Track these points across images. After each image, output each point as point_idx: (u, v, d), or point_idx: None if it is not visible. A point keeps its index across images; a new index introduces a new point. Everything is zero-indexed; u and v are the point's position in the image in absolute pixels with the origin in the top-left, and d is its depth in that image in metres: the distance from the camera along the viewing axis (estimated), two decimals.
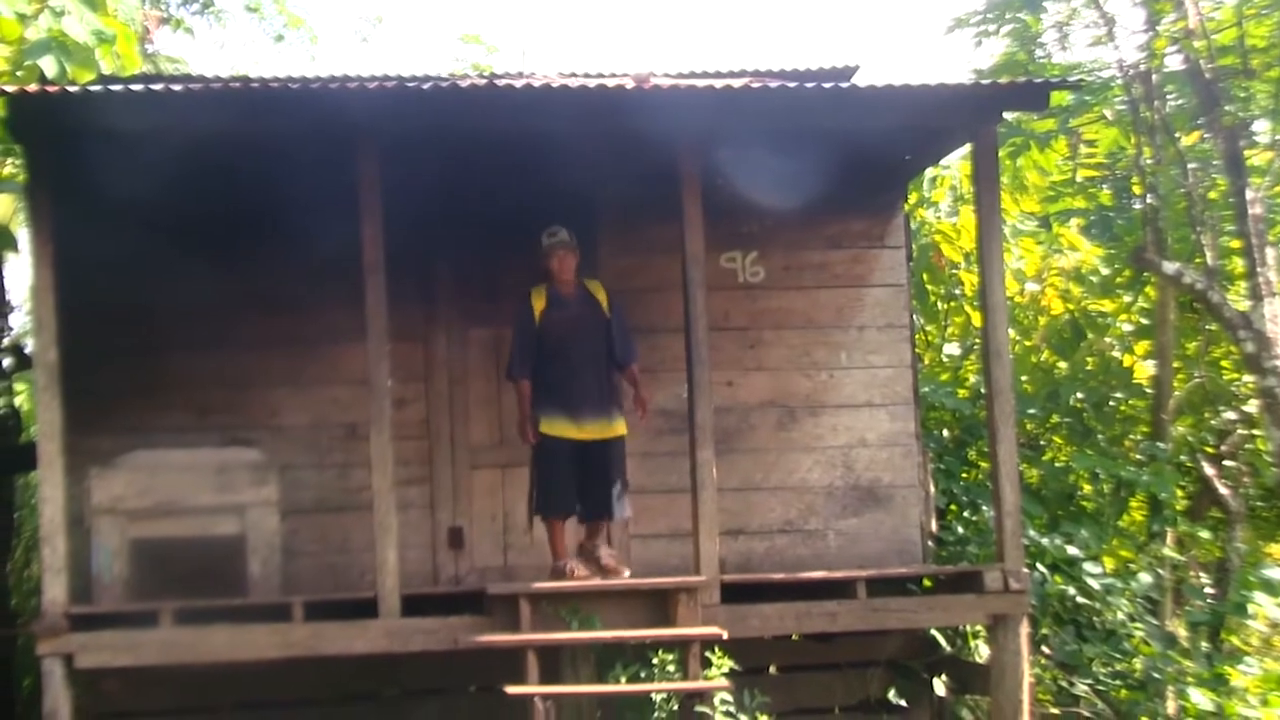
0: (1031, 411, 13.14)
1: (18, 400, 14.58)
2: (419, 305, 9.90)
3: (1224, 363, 14.84)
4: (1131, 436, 14.16)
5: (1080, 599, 11.17)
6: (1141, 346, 14.45)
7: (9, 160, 11.87)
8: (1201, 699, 10.64)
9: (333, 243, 8.62)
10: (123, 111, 7.97)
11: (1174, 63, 12.98)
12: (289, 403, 9.82)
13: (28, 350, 12.20)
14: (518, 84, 8.38)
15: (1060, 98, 12.37)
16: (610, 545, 8.98)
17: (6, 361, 13.30)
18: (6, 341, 13.73)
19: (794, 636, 9.82)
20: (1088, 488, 13.18)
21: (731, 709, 7.89)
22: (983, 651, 10.21)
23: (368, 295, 8.36)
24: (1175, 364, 14.17)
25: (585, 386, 8.79)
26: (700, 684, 7.98)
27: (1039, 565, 10.96)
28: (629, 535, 9.77)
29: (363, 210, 8.37)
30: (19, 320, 15.01)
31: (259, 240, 9.50)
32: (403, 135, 8.38)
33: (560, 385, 8.75)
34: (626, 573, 8.67)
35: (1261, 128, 13.15)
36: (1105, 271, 14.52)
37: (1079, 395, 13.48)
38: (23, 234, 10.75)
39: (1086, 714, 10.79)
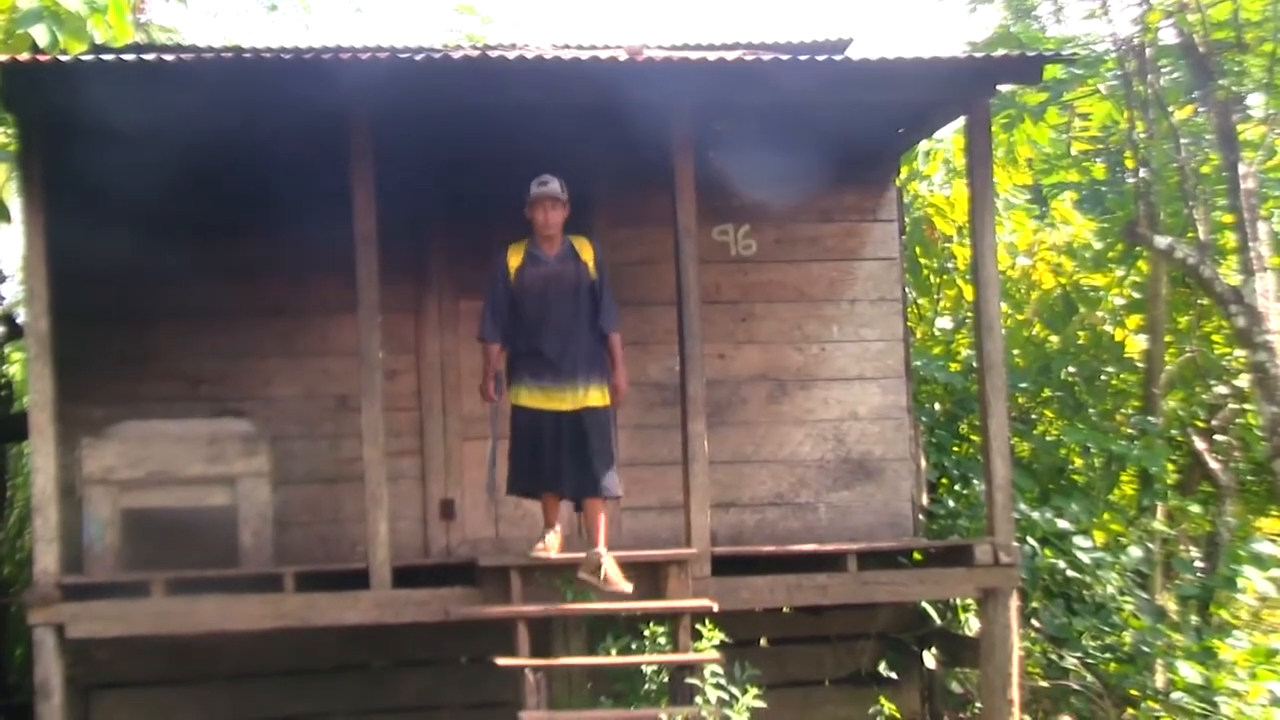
0: (1023, 385, 13.16)
1: (10, 369, 14.57)
2: (411, 276, 9.90)
3: (1215, 337, 14.83)
4: (1123, 411, 14.16)
5: (1070, 573, 11.19)
6: (1133, 321, 14.45)
7: (0, 129, 11.82)
8: (1190, 672, 10.66)
9: (325, 214, 8.62)
10: (115, 81, 7.95)
11: (1168, 36, 12.94)
12: (280, 374, 9.83)
13: (20, 320, 12.18)
14: (510, 56, 8.38)
15: (1054, 71, 12.33)
16: (609, 549, 8.20)
17: None
18: None
19: (784, 609, 9.86)
20: (1079, 462, 13.19)
21: (722, 681, 7.91)
22: (973, 625, 10.25)
23: (359, 266, 8.36)
24: (1167, 338, 14.17)
25: (561, 352, 8.22)
26: (690, 656, 8.00)
27: (1029, 539, 10.98)
28: (620, 508, 9.77)
29: (355, 181, 8.36)
30: (11, 289, 14.99)
31: (251, 211, 9.48)
32: (395, 106, 8.37)
33: (535, 351, 8.25)
34: (628, 588, 8.10)
35: (1255, 102, 13.12)
36: (1097, 246, 14.51)
37: (1070, 369, 13.49)
38: (15, 203, 10.71)
39: (1076, 687, 10.82)
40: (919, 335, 13.83)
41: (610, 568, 8.04)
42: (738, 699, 7.88)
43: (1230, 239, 12.94)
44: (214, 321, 9.70)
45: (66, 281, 8.42)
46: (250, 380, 9.78)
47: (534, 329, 8.27)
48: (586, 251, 8.41)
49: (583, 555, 8.17)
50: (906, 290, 11.07)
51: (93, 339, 9.36)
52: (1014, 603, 8.80)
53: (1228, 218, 12.75)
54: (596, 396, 8.28)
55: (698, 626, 8.18)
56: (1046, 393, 13.59)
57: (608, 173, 9.83)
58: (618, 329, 8.48)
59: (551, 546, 8.24)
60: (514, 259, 8.36)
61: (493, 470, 8.64)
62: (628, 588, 8.09)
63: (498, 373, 8.38)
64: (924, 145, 13.26)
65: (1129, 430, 13.33)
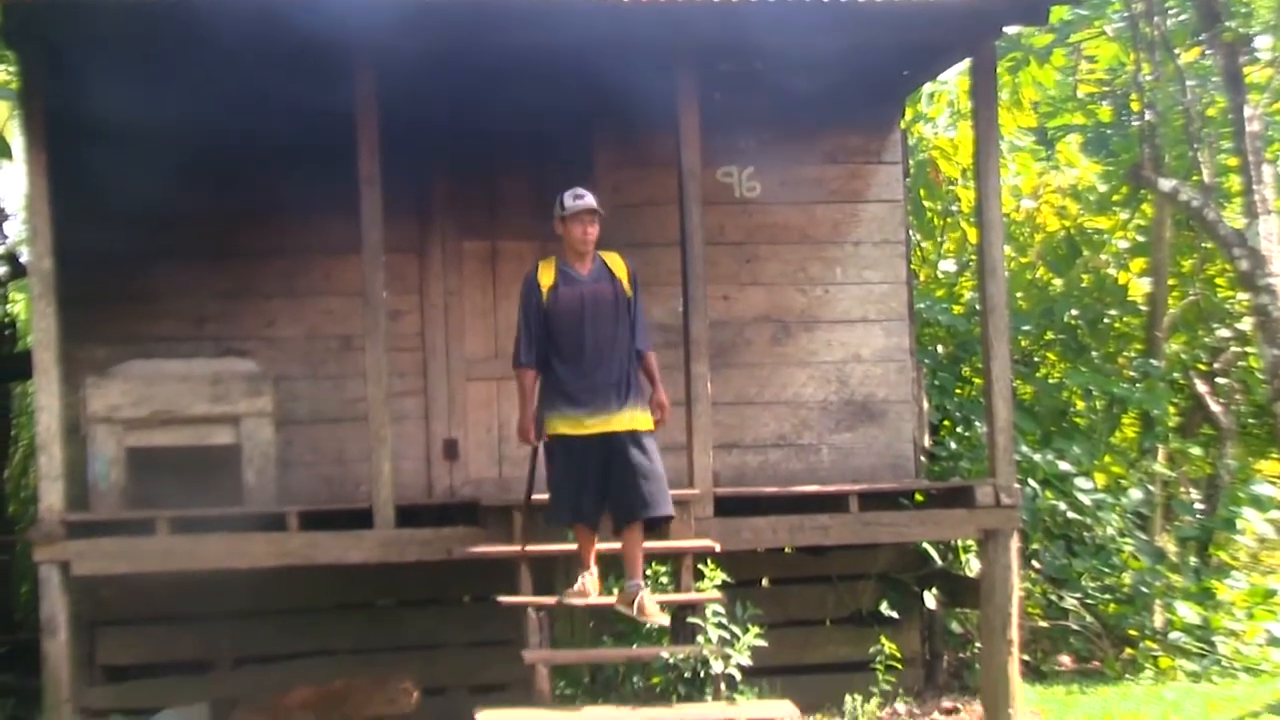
0: (1026, 328, 13.16)
1: (14, 308, 14.58)
2: (414, 217, 9.87)
3: (1219, 280, 14.83)
4: (1125, 353, 14.19)
5: (1071, 514, 11.25)
6: (1137, 264, 14.44)
7: (2, 67, 11.79)
8: (1189, 612, 10.76)
9: (328, 154, 8.60)
10: (116, 20, 7.93)
11: None
12: (284, 314, 9.82)
13: (23, 259, 12.18)
14: None
15: (1060, 12, 12.26)
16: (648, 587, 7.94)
17: (2, 270, 13.29)
18: (2, 250, 13.71)
19: (786, 549, 9.91)
20: (1080, 404, 13.23)
21: (723, 620, 7.96)
22: (973, 565, 10.30)
23: (363, 207, 8.35)
24: (1170, 281, 14.18)
25: (600, 375, 7.70)
26: (693, 596, 8.06)
27: (1030, 481, 11.04)
28: None
29: (359, 122, 8.34)
30: (14, 228, 14.99)
31: (255, 151, 9.44)
32: (400, 47, 8.31)
33: (573, 377, 7.72)
34: (664, 620, 7.91)
35: (1263, 44, 13.07)
36: (1102, 188, 14.49)
37: (1073, 312, 13.49)
38: (17, 142, 10.70)
39: (1075, 627, 10.90)
40: (922, 278, 13.82)
41: (647, 600, 7.73)
42: (739, 638, 7.94)
43: (1235, 182, 12.93)
44: (218, 261, 9.68)
45: (69, 220, 8.41)
46: (254, 320, 9.77)
47: (571, 353, 7.76)
48: (620, 269, 7.89)
49: (605, 600, 7.94)
50: (910, 233, 11.06)
51: (96, 279, 9.32)
52: (1014, 544, 8.83)
53: (1233, 161, 12.72)
54: (641, 419, 7.77)
55: (700, 567, 8.24)
56: (1049, 335, 13.61)
57: (611, 114, 9.79)
58: (652, 347, 8.08)
59: (590, 590, 7.85)
60: (545, 277, 7.80)
61: (532, 479, 8.13)
62: (664, 619, 7.89)
63: (538, 413, 7.83)
64: (928, 87, 13.20)
65: (1131, 373, 13.36)
